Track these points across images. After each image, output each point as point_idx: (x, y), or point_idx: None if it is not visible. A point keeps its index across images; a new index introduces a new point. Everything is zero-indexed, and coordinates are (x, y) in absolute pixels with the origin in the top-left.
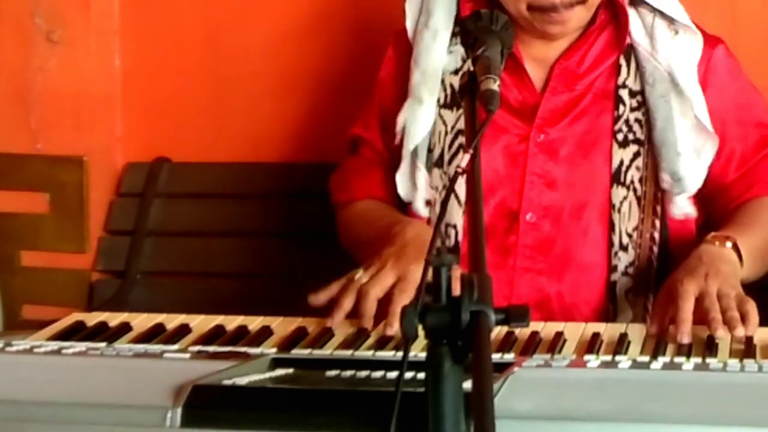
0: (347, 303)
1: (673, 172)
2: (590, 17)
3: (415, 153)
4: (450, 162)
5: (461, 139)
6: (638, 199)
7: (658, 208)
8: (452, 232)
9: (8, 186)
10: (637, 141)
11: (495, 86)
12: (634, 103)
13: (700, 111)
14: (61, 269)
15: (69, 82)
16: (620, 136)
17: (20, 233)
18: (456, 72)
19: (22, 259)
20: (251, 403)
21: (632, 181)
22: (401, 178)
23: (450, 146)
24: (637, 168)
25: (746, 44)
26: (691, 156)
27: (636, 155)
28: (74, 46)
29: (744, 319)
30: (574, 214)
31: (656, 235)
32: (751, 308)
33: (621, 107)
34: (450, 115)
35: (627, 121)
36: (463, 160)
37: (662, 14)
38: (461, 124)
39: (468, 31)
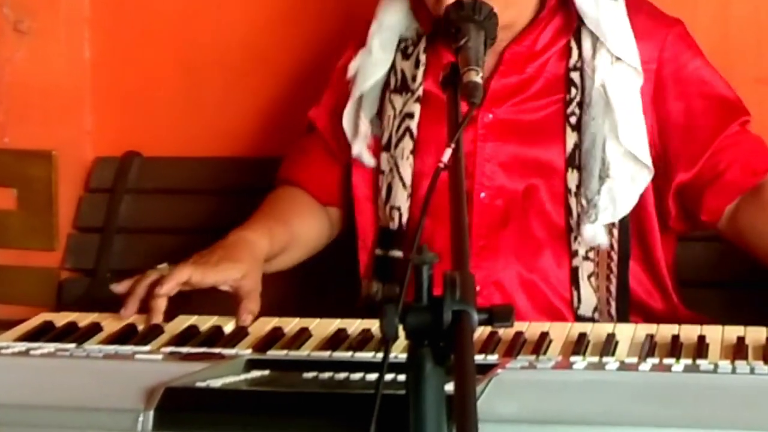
0: (140, 290)
1: (589, 198)
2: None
3: (360, 102)
4: (396, 146)
5: (407, 123)
6: None
7: None
8: (396, 214)
9: None
10: None
11: (478, 78)
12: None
13: (629, 139)
14: (29, 267)
15: (37, 73)
16: (573, 119)
17: None
18: (406, 56)
19: None
20: (225, 405)
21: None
22: (346, 118)
23: (397, 130)
24: None
25: (737, 44)
26: (626, 183)
27: None
28: (43, 36)
29: None
30: (528, 195)
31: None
32: None
33: (573, 90)
34: (399, 99)
35: (580, 104)
36: (445, 155)
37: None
38: (408, 108)
39: (450, 21)
